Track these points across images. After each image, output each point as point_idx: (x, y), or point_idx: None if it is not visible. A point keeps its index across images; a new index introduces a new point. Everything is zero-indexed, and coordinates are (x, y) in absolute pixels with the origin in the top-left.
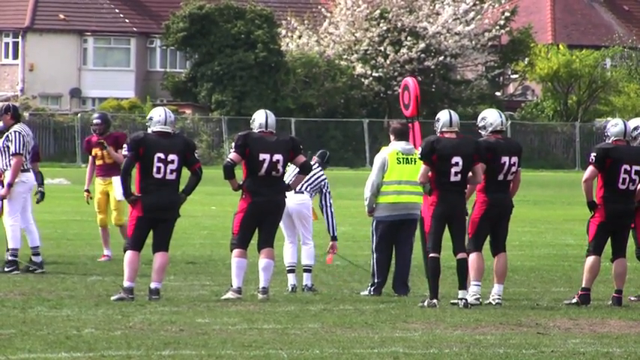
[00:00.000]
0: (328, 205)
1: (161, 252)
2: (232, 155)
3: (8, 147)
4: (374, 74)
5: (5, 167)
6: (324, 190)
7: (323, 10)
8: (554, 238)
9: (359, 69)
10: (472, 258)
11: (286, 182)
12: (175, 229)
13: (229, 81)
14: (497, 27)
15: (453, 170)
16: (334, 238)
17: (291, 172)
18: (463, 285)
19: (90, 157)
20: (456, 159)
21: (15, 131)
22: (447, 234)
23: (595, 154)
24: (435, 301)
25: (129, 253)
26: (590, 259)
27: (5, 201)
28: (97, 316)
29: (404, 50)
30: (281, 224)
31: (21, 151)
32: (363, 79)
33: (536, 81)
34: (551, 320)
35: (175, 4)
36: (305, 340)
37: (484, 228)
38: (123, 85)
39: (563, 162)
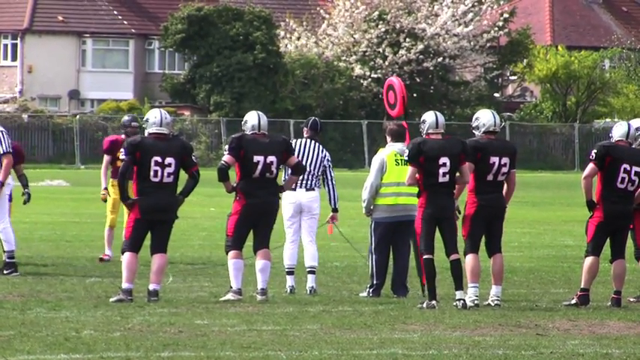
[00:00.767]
0: (330, 177)
1: (159, 254)
2: (227, 158)
3: None
4: (372, 75)
5: None
6: (326, 165)
7: (321, 11)
8: (553, 239)
9: (357, 70)
10: (468, 260)
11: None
12: (174, 231)
13: (228, 82)
14: (496, 28)
15: (440, 171)
16: (335, 210)
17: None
18: (459, 286)
19: (106, 157)
20: (444, 159)
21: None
22: (439, 235)
23: (596, 151)
24: (434, 302)
25: (127, 254)
26: (589, 259)
27: None
28: (96, 317)
29: (402, 51)
30: (285, 223)
31: (10, 150)
32: (361, 81)
33: (535, 82)
34: (551, 321)
35: (174, 6)
36: (304, 342)
37: (477, 229)
38: (121, 87)
39: (562, 163)
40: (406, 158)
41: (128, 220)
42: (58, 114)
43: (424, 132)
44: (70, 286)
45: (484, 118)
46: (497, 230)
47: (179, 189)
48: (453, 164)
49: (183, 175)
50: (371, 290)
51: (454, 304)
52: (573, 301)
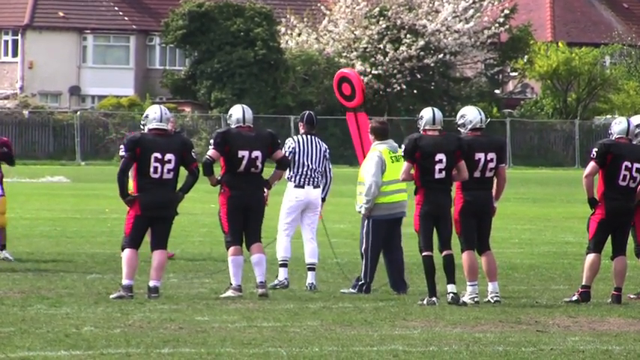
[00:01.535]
0: (329, 169)
1: (160, 250)
2: (211, 152)
3: None
4: (373, 72)
5: None
6: (327, 158)
7: (322, 7)
8: (553, 235)
9: (358, 66)
10: (464, 258)
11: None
12: (174, 227)
13: (229, 79)
14: (497, 24)
15: (437, 167)
16: (323, 200)
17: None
18: (451, 280)
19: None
20: (440, 156)
21: None
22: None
23: (596, 150)
24: (434, 299)
25: (127, 251)
26: (590, 256)
27: None
28: (97, 314)
29: (403, 48)
30: (285, 217)
31: None
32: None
33: (536, 79)
34: (551, 318)
35: (174, 2)
36: (304, 338)
37: (467, 225)
38: (122, 83)
39: (563, 160)
40: (402, 154)
41: (128, 217)
42: (58, 110)
43: (421, 128)
44: (71, 283)
45: (470, 115)
46: (485, 228)
47: (179, 186)
48: (449, 161)
49: (184, 172)
50: (364, 288)
51: (462, 299)
52: (574, 298)
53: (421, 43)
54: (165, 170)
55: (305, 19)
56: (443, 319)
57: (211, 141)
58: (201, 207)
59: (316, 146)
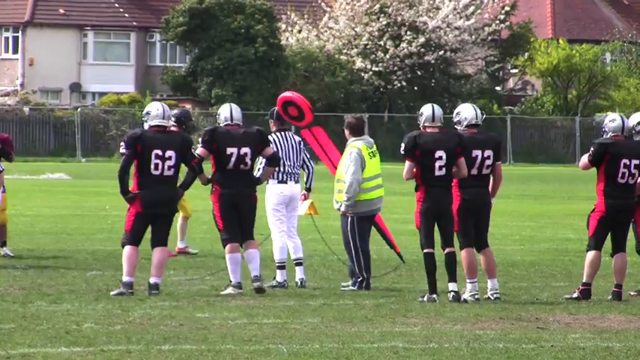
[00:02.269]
0: (308, 159)
1: (160, 247)
2: (200, 150)
3: None
4: (374, 69)
5: None
6: (304, 150)
7: (323, 4)
8: (554, 232)
9: (359, 63)
10: (464, 255)
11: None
12: (175, 224)
13: (229, 75)
14: (497, 21)
15: (437, 164)
16: (309, 190)
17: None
18: (453, 278)
19: None
20: (440, 153)
21: None
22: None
23: (593, 150)
24: (434, 295)
25: (127, 248)
26: (591, 253)
27: None
28: (97, 310)
29: (404, 45)
30: (273, 215)
31: None
32: (362, 74)
33: (536, 75)
34: (551, 315)
35: None
36: (305, 335)
37: (465, 223)
38: (123, 80)
39: (563, 156)
40: (402, 152)
41: (129, 214)
42: (59, 107)
43: (421, 125)
44: (71, 280)
45: (465, 112)
46: (482, 225)
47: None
48: (449, 158)
49: (184, 170)
50: (364, 284)
51: (463, 297)
52: (575, 295)
53: (422, 40)
54: (165, 167)
55: (305, 16)
56: (443, 316)
57: (200, 140)
58: (202, 204)
59: (291, 142)
